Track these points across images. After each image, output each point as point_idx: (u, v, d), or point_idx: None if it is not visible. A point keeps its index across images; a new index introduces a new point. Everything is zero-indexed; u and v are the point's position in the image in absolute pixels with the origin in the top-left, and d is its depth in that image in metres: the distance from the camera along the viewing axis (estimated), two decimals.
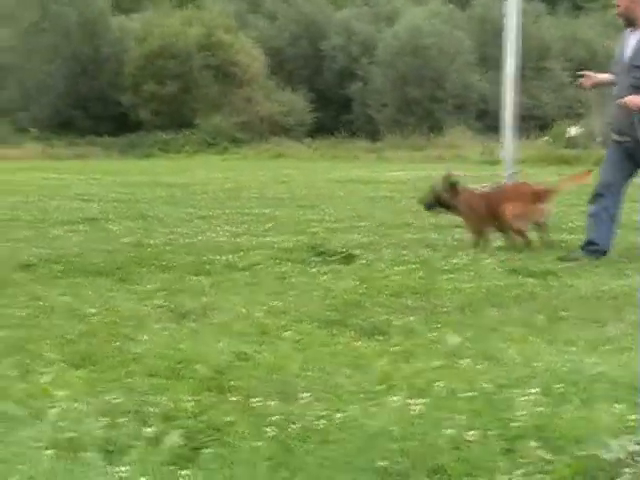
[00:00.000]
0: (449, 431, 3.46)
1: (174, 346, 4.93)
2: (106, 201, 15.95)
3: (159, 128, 45.44)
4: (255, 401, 3.92)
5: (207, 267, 8.02)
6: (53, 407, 3.82)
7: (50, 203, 15.39)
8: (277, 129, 45.03)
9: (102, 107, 47.78)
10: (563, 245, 9.08)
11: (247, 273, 7.71)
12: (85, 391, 4.09)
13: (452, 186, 9.30)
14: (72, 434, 3.49)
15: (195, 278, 7.50)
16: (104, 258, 8.47)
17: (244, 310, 6.00)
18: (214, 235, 10.46)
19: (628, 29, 8.08)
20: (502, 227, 9.05)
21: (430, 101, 46.08)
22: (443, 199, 9.31)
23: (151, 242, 9.78)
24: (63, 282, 7.24)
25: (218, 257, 8.55)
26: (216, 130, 44.92)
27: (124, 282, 7.35)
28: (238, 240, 9.93)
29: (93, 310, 5.97)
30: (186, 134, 45.35)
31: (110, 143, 44.61)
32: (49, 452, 3.32)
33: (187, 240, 10.00)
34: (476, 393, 3.96)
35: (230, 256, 8.60)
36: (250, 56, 49.18)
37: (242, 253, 8.75)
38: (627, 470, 3.10)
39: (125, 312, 5.99)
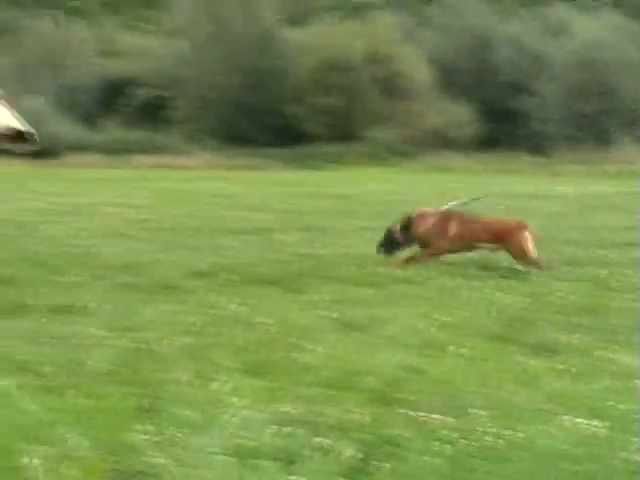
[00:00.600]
0: (628, 454, 3.39)
1: (345, 357, 4.99)
2: (274, 212, 16.22)
3: (326, 140, 45.89)
4: (424, 415, 3.93)
5: (373, 279, 8.08)
6: (229, 414, 3.92)
7: (221, 212, 15.75)
8: (441, 142, 44.80)
9: (271, 119, 48.55)
10: None
11: (413, 285, 7.72)
12: (260, 399, 4.18)
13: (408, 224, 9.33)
14: (248, 441, 3.58)
15: (362, 290, 7.56)
16: (275, 268, 8.63)
17: (412, 323, 6.03)
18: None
19: None
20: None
21: (602, 115, 44.99)
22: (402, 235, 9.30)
23: (318, 253, 9.89)
24: (235, 291, 7.39)
25: (384, 269, 8.60)
26: (381, 142, 45.06)
27: (294, 292, 7.47)
28: None
29: (266, 320, 6.08)
30: (351, 146, 45.65)
31: (278, 154, 45.31)
32: (227, 458, 3.41)
33: (353, 251, 10.08)
34: None
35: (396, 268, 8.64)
36: (415, 68, 49.14)
37: (407, 266, 8.76)
38: None
39: (297, 322, 6.08)
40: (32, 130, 6.61)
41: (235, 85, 49.58)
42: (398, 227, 9.33)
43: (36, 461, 3.25)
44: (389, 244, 9.33)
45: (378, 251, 9.34)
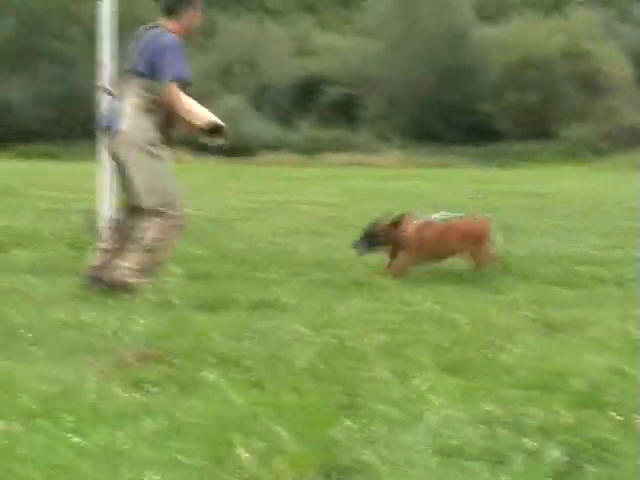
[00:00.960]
0: None
1: (546, 358, 4.85)
2: (468, 210, 16.00)
3: (520, 138, 45.26)
4: (636, 418, 3.76)
5: (575, 279, 7.86)
6: (430, 412, 3.86)
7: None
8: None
9: (463, 116, 48.25)
10: None
11: (617, 287, 7.46)
12: (460, 398, 4.10)
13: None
14: (452, 440, 3.51)
15: (562, 290, 7.37)
16: (469, 266, 8.51)
17: (616, 325, 5.81)
18: (580, 246, 10.23)
19: None
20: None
21: None
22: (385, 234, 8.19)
23: (515, 252, 9.70)
24: (430, 288, 7.34)
25: (585, 269, 8.35)
26: (579, 140, 44.08)
27: (490, 291, 7.37)
28: (606, 253, 9.64)
29: (463, 318, 5.99)
30: (545, 144, 44.83)
31: (470, 152, 44.98)
32: (432, 457, 3.35)
33: (552, 250, 9.85)
34: None
35: (598, 269, 8.38)
36: (614, 64, 47.81)
37: (611, 266, 8.48)
38: None
39: (495, 321, 5.97)
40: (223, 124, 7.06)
41: (427, 83, 49.54)
42: (386, 224, 8.23)
43: (246, 455, 3.28)
44: (371, 239, 8.23)
45: (356, 246, 8.28)
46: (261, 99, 52.15)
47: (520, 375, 4.52)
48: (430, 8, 51.05)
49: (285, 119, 49.87)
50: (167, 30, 6.82)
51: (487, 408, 3.94)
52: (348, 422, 3.72)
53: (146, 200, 6.76)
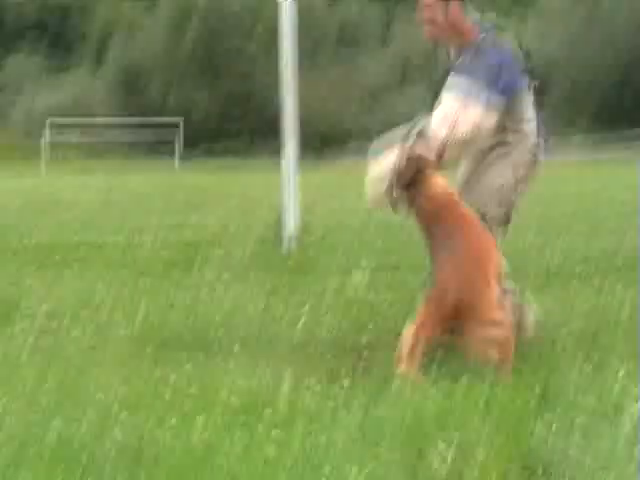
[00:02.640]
0: None
1: None
2: None
3: None
4: None
5: None
6: (631, 402, 3.74)
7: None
8: None
9: None
10: None
11: None
12: None
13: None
14: None
15: None
16: None
17: None
18: None
19: None
20: None
21: None
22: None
23: None
24: (624, 276, 7.09)
25: None
26: None
27: None
28: None
29: None
30: None
31: None
32: None
33: None
34: None
35: None
36: None
37: None
38: None
39: None
40: None
41: (614, 66, 48.10)
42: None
43: (447, 448, 3.26)
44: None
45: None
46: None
47: None
48: None
49: None
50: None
51: None
52: (547, 414, 3.65)
53: None
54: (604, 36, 48.71)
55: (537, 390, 3.99)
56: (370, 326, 5.41)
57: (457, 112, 4.92)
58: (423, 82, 49.81)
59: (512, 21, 57.09)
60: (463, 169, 5.24)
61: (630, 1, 49.05)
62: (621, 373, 4.17)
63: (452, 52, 5.32)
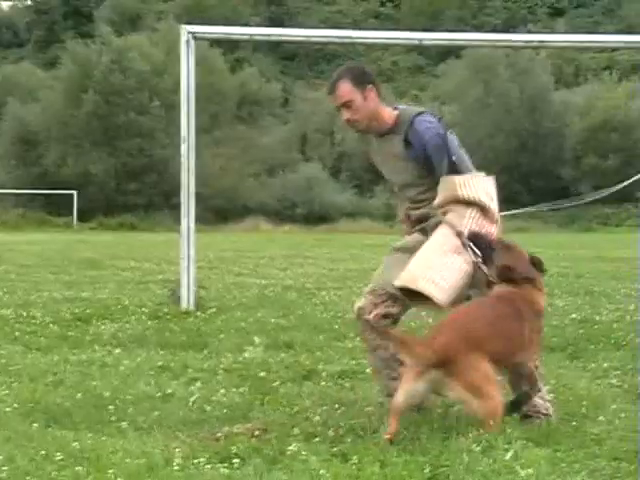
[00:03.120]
0: None
1: (635, 428, 4.73)
2: (550, 276, 15.82)
3: (600, 202, 44.82)
4: None
5: None
6: None
7: None
8: None
9: (543, 181, 48.01)
10: None
11: None
12: (548, 471, 4.01)
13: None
14: None
15: None
16: (553, 334, 8.40)
17: None
18: None
19: None
20: None
21: None
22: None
23: (600, 318, 9.56)
24: None
25: None
26: None
27: (575, 359, 7.27)
28: None
29: (547, 387, 5.89)
30: (628, 208, 44.30)
31: (549, 216, 44.64)
32: None
33: (637, 318, 9.65)
34: None
35: None
36: None
37: None
38: None
39: (580, 390, 5.87)
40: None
41: (507, 148, 49.50)
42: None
43: None
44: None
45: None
46: (338, 166, 52.54)
47: (610, 446, 4.42)
48: (507, 74, 51.18)
49: (361, 186, 50.15)
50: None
51: None
52: None
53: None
54: (495, 120, 50.10)
55: (427, 470, 4.01)
56: (262, 405, 5.39)
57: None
58: (319, 159, 50.44)
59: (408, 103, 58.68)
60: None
61: (521, 85, 50.64)
62: (508, 455, 4.22)
63: (373, 139, 5.43)
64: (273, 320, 9.11)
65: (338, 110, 5.37)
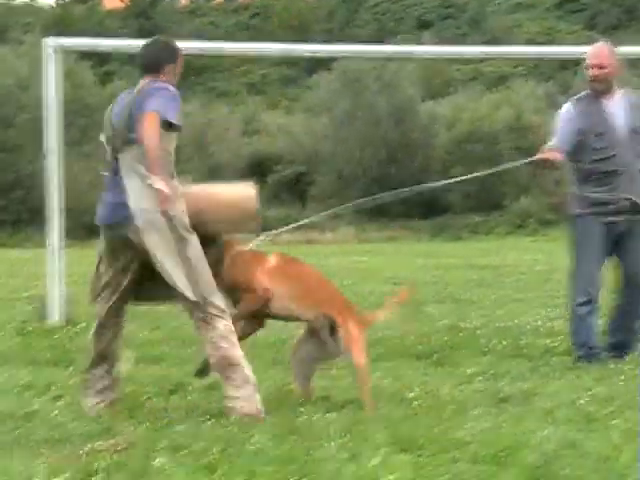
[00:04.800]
0: None
1: (497, 432, 4.85)
2: (419, 284, 16.10)
3: (467, 211, 45.77)
4: None
5: (525, 351, 7.91)
6: None
7: (363, 287, 15.72)
8: None
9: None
10: None
11: (567, 358, 7.49)
12: (412, 476, 4.08)
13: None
14: None
15: (513, 362, 7.41)
16: (420, 341, 8.54)
17: (568, 396, 5.83)
18: (530, 319, 10.28)
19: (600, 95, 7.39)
20: None
21: None
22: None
23: (466, 325, 9.76)
24: (382, 365, 7.32)
25: (536, 341, 8.40)
26: (525, 212, 44.67)
27: (441, 365, 7.40)
28: (554, 323, 9.70)
29: (413, 394, 5.99)
30: (495, 216, 45.36)
31: (420, 226, 45.36)
32: None
33: (502, 323, 9.89)
34: None
35: (547, 340, 8.42)
36: None
37: (560, 337, 8.52)
38: None
39: (445, 396, 5.98)
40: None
41: (376, 159, 50.10)
42: None
43: None
44: None
45: None
46: (212, 180, 52.33)
47: (472, 450, 4.51)
48: (375, 86, 51.82)
49: None
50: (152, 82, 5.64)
51: None
52: None
53: (194, 292, 5.45)
54: (364, 132, 50.66)
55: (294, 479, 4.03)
56: (128, 421, 5.32)
57: None
58: (193, 172, 50.01)
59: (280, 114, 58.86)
60: None
61: (388, 97, 51.31)
62: (373, 462, 4.27)
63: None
64: (142, 335, 9.01)
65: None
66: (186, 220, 5.47)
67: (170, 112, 5.45)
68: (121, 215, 5.47)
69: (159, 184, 5.20)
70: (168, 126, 5.45)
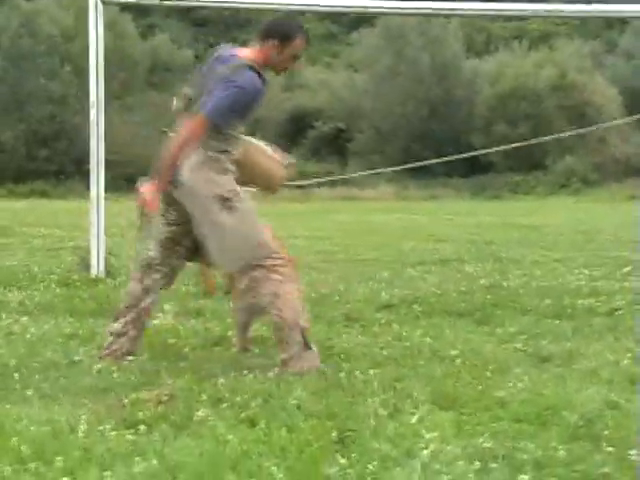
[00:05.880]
0: None
1: (539, 391, 4.82)
2: (459, 242, 16.08)
3: (510, 170, 45.44)
4: (633, 453, 3.73)
5: (567, 311, 7.86)
6: (424, 448, 3.83)
7: (405, 244, 15.73)
8: (633, 171, 43.57)
9: (454, 149, 48.40)
10: None
11: (609, 318, 7.44)
12: (453, 433, 4.07)
13: None
14: (446, 477, 3.48)
15: (555, 322, 7.36)
16: (462, 299, 8.52)
17: (610, 357, 5.79)
18: (572, 278, 10.23)
19: None
20: None
21: None
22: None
23: (507, 284, 9.71)
24: (423, 323, 7.33)
25: (578, 301, 8.34)
26: (568, 171, 44.28)
27: (483, 324, 7.36)
28: (597, 284, 9.64)
29: (455, 352, 5.98)
30: (537, 175, 45.01)
31: (461, 184, 45.15)
32: None
33: (544, 283, 9.84)
34: None
35: (590, 300, 8.37)
36: (605, 96, 48.09)
37: (603, 297, 8.47)
38: None
39: (486, 355, 5.96)
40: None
41: (417, 116, 49.80)
42: None
43: None
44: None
45: None
46: (252, 133, 52.26)
47: (513, 409, 4.49)
48: (418, 42, 51.40)
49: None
50: (247, 66, 5.55)
51: (480, 443, 3.91)
52: (341, 459, 3.69)
53: (228, 264, 5.58)
54: (406, 88, 50.35)
55: (334, 435, 4.03)
56: (171, 371, 5.36)
57: None
58: None
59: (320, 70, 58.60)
60: None
61: (432, 54, 50.91)
62: (414, 419, 4.27)
63: None
64: (184, 288, 9.05)
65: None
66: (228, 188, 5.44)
67: (222, 118, 5.42)
68: (177, 173, 5.42)
69: (145, 187, 5.30)
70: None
